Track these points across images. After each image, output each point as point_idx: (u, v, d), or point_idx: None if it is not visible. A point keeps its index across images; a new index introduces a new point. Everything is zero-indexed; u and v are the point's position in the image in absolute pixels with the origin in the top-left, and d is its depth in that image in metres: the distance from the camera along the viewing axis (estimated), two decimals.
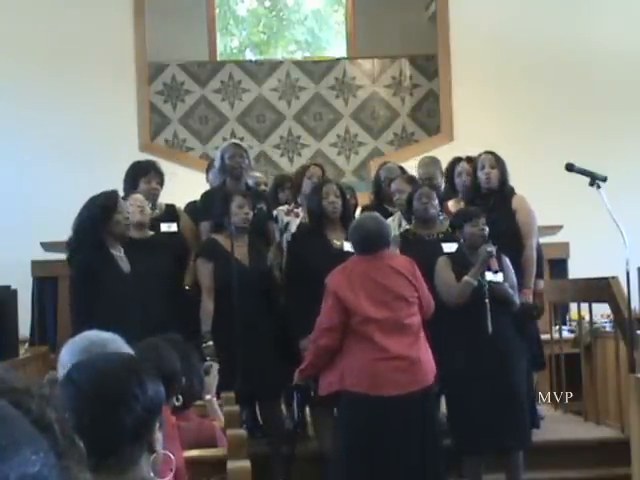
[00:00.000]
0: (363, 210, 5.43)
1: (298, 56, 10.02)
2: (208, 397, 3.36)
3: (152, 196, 5.14)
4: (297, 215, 5.32)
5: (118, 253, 4.50)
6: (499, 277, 4.56)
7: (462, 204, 5.29)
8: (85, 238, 4.40)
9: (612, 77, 8.65)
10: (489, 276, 4.53)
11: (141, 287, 4.46)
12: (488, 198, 5.18)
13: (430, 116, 9.11)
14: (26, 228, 7.54)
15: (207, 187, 5.64)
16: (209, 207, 5.12)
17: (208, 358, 4.55)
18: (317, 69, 9.27)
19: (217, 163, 5.31)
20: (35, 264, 6.26)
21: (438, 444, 4.21)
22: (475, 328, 4.41)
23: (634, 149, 8.51)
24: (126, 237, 4.53)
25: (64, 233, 6.18)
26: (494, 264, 4.55)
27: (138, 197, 4.97)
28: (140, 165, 5.33)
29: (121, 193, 4.83)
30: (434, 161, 5.80)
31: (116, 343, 2.20)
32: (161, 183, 5.26)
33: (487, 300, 4.44)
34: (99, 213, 4.40)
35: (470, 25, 8.68)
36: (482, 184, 5.19)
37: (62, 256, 6.31)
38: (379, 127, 9.15)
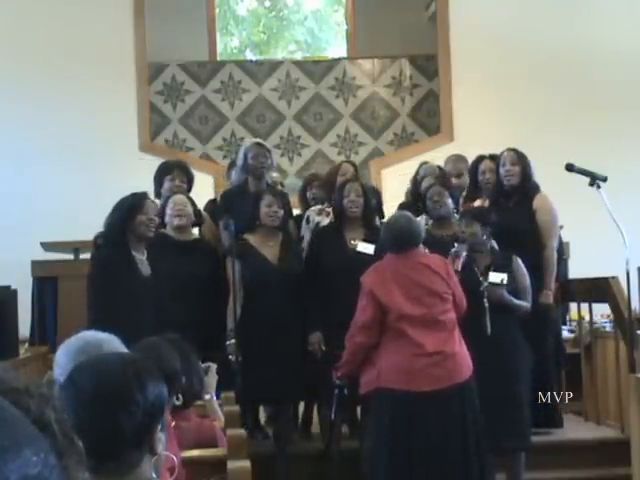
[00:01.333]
0: (399, 209, 5.37)
1: (298, 56, 10.01)
2: (207, 397, 3.36)
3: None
4: (328, 214, 5.30)
5: (140, 256, 4.48)
6: (497, 278, 4.54)
7: (487, 203, 5.28)
8: (112, 237, 4.41)
9: (612, 77, 8.65)
10: (491, 277, 4.52)
11: (159, 291, 4.44)
12: (511, 196, 5.17)
13: (430, 116, 9.11)
14: (26, 228, 7.55)
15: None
16: (229, 206, 5.14)
17: (230, 356, 4.56)
18: (317, 69, 9.27)
19: (239, 162, 5.33)
20: (35, 264, 6.24)
21: (482, 443, 4.13)
22: (474, 328, 4.40)
23: (634, 149, 8.51)
24: (148, 239, 4.51)
25: (64, 233, 6.17)
26: (457, 264, 4.54)
27: (178, 199, 4.99)
28: (166, 164, 5.49)
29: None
30: (461, 158, 5.79)
31: (112, 344, 2.18)
32: (188, 182, 5.31)
33: (485, 300, 4.45)
34: (125, 212, 4.42)
35: (470, 25, 8.68)
36: (504, 182, 5.16)
37: (62, 256, 6.32)
38: (379, 127, 9.15)
